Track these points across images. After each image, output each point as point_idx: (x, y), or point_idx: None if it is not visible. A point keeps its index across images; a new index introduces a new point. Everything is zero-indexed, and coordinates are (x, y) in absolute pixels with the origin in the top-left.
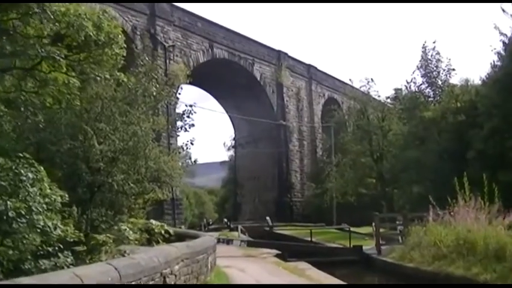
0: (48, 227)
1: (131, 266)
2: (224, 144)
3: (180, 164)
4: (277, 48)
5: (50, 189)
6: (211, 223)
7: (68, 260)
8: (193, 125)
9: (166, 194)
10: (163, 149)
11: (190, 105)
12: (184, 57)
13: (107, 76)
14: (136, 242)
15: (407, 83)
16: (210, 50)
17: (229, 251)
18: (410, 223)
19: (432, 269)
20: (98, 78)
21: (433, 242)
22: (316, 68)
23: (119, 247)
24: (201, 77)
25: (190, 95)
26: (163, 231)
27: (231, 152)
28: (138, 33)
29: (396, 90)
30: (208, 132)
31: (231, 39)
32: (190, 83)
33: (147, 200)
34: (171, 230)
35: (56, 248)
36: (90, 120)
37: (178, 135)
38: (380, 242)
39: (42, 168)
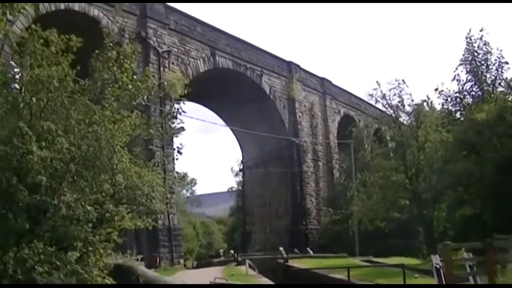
0: None
1: None
2: (231, 169)
3: (178, 187)
4: (287, 59)
5: None
6: (221, 254)
7: None
8: (182, 128)
9: (147, 222)
10: (140, 160)
11: (177, 102)
12: (181, 65)
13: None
14: None
15: (451, 80)
16: (211, 58)
17: None
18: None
19: None
20: None
21: None
22: (330, 81)
23: None
24: (203, 92)
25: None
26: None
27: (239, 178)
28: (126, 35)
29: (436, 90)
30: (217, 161)
31: (236, 47)
32: (192, 100)
33: (114, 230)
34: None
35: None
36: (33, 117)
37: (170, 146)
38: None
39: None
